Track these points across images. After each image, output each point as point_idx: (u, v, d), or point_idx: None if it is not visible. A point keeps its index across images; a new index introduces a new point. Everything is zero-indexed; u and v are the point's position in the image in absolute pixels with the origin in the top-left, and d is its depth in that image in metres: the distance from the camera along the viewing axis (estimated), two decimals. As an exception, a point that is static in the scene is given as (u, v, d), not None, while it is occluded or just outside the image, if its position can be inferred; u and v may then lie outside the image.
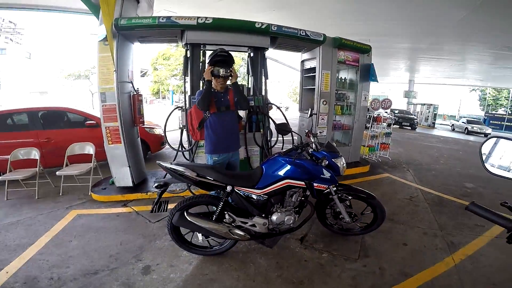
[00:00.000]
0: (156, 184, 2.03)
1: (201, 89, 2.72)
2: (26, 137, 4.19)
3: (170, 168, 2.03)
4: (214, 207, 2.20)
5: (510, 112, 24.97)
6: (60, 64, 28.82)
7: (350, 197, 2.45)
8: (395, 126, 14.76)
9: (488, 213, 0.81)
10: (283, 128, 2.49)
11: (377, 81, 5.05)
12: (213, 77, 2.47)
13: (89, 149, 3.96)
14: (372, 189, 2.53)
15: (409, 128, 16.17)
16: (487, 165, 0.91)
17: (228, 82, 2.58)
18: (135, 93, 3.75)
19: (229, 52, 2.52)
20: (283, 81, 36.50)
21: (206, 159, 2.75)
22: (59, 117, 4.68)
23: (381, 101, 6.02)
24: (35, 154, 3.74)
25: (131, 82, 3.72)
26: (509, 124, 22.36)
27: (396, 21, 7.15)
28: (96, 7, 3.41)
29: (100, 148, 3.77)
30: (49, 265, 2.25)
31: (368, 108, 5.64)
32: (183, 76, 3.51)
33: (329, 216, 2.66)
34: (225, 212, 2.15)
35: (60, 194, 3.71)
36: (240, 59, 28.09)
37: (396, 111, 17.04)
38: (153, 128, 5.56)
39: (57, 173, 3.70)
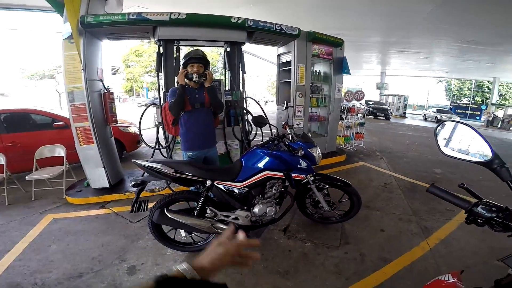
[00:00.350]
0: (133, 183, 2.00)
1: (176, 85, 2.59)
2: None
3: (147, 166, 2.00)
4: (195, 203, 2.21)
5: (473, 102, 26.96)
6: (22, 64, 26.78)
7: (327, 186, 2.55)
8: (369, 116, 15.58)
9: (446, 195, 0.86)
10: (260, 121, 2.52)
11: (350, 74, 5.24)
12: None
13: (60, 151, 3.77)
14: (349, 177, 2.65)
15: (383, 118, 16.94)
16: (443, 148, 0.97)
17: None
18: (105, 91, 3.61)
19: (204, 54, 2.52)
20: (262, 75, 36.61)
21: (182, 155, 2.69)
22: (24, 120, 4.38)
23: (354, 93, 6.26)
24: (0, 159, 3.50)
25: (101, 80, 3.57)
26: (472, 112, 24.15)
27: (367, 16, 7.40)
28: (60, 5, 3.21)
29: (71, 150, 3.60)
30: (30, 270, 2.17)
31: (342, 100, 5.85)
32: (156, 72, 3.45)
33: (309, 205, 2.74)
34: (206, 207, 2.17)
35: (33, 199, 3.51)
36: (218, 55, 27.74)
37: (371, 102, 17.76)
38: (128, 126, 5.38)
39: (26, 177, 3.49)
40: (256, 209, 2.24)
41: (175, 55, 3.56)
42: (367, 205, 3.19)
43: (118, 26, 3.19)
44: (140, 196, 2.15)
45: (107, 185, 3.60)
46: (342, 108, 5.91)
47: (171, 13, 3.18)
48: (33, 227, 2.85)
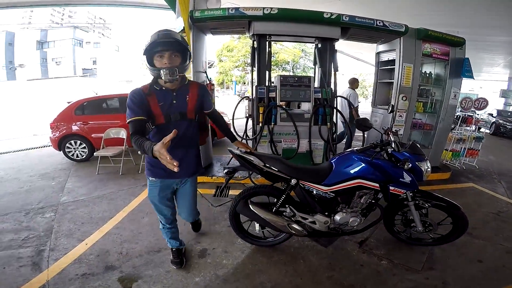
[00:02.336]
0: (226, 170, 2.07)
1: (155, 83, 1.63)
2: (117, 119, 4.86)
3: (240, 155, 2.03)
4: (274, 199, 2.16)
5: None
6: (142, 57, 33.08)
7: (428, 205, 2.15)
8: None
9: None
10: (364, 124, 2.19)
11: (473, 78, 4.29)
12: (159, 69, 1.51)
13: (123, 133, 4.36)
14: (451, 199, 2.16)
15: None
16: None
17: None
18: (208, 82, 3.98)
19: (179, 35, 1.56)
20: (347, 73, 34.37)
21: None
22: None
23: (475, 100, 5.05)
24: (123, 134, 4.33)
25: (205, 72, 3.95)
26: None
27: (492, 13, 5.88)
28: (173, 1, 3.67)
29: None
30: (121, 239, 2.48)
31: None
32: (251, 66, 3.58)
33: (398, 223, 2.38)
34: (286, 206, 2.10)
35: (139, 172, 4.21)
36: (300, 51, 27.42)
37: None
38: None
39: (94, 154, 4.18)
40: (338, 217, 2.04)
41: (267, 50, 3.60)
42: (469, 232, 2.56)
43: (219, 20, 3.41)
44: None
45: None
46: (455, 116, 4.87)
47: (264, 8, 3.25)
48: (135, 198, 3.35)
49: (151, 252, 2.30)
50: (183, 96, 1.65)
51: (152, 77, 1.59)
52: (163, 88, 1.60)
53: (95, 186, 3.75)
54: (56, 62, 35.87)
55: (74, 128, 4.73)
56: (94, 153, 4.34)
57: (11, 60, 34.71)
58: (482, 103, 5.00)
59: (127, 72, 32.84)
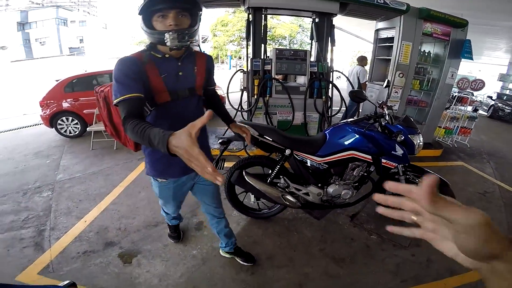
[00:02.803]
0: (220, 141, 2.07)
1: (146, 53, 1.19)
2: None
3: None
4: (269, 170, 2.18)
5: None
6: (131, 33, 31.97)
7: (419, 180, 2.17)
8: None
9: None
10: (358, 96, 2.20)
11: (472, 59, 4.29)
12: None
13: None
14: (441, 176, 2.20)
15: None
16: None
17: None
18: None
19: None
20: (345, 50, 33.90)
21: (151, 183, 1.52)
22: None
23: (472, 81, 5.05)
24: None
25: (199, 46, 3.85)
26: None
27: None
28: None
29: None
30: (119, 215, 2.50)
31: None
32: (245, 40, 3.52)
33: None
34: (280, 176, 2.12)
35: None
36: (297, 26, 26.66)
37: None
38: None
39: (87, 128, 4.13)
40: (330, 189, 2.08)
41: (262, 23, 3.50)
42: None
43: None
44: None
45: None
46: (451, 95, 4.90)
47: None
48: (130, 172, 3.34)
49: (148, 227, 2.34)
50: (190, 67, 1.28)
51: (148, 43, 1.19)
52: (166, 55, 1.19)
53: (90, 162, 3.72)
54: (41, 43, 34.34)
55: (65, 105, 4.62)
56: (87, 129, 4.27)
57: (-9, 43, 33.14)
58: (478, 84, 5.03)
59: (116, 49, 31.75)
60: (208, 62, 1.39)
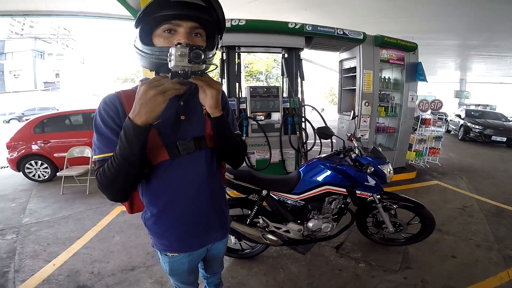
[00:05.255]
0: None
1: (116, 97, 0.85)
2: (81, 136, 4.60)
3: None
4: (248, 211, 2.17)
5: None
6: (110, 68, 31.82)
7: (395, 206, 2.26)
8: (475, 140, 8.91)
9: None
10: (325, 132, 2.24)
11: (427, 81, 4.67)
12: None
13: (88, 152, 4.12)
14: (419, 197, 2.31)
15: (504, 145, 8.52)
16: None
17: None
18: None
19: None
20: (318, 82, 35.69)
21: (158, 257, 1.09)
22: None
23: (430, 102, 5.48)
24: (87, 152, 4.10)
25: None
26: None
27: (442, 17, 6.47)
28: (136, 12, 3.60)
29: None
30: (91, 259, 2.38)
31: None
32: (220, 78, 3.59)
33: (370, 225, 2.48)
34: (259, 216, 2.11)
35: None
36: (272, 61, 28.13)
37: (475, 113, 10.07)
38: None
39: (57, 174, 3.98)
40: (310, 224, 2.08)
41: (236, 61, 3.65)
42: (439, 229, 2.77)
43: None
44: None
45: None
46: (415, 118, 5.24)
47: (231, 19, 3.30)
48: (103, 217, 3.18)
49: (124, 271, 2.21)
50: (196, 107, 0.91)
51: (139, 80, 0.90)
52: None
53: (60, 206, 3.52)
54: (15, 75, 33.35)
55: (34, 147, 4.40)
56: (58, 174, 4.06)
57: (-40, 72, 31.72)
58: (437, 104, 5.45)
59: (93, 86, 31.36)
60: (223, 98, 0.98)
